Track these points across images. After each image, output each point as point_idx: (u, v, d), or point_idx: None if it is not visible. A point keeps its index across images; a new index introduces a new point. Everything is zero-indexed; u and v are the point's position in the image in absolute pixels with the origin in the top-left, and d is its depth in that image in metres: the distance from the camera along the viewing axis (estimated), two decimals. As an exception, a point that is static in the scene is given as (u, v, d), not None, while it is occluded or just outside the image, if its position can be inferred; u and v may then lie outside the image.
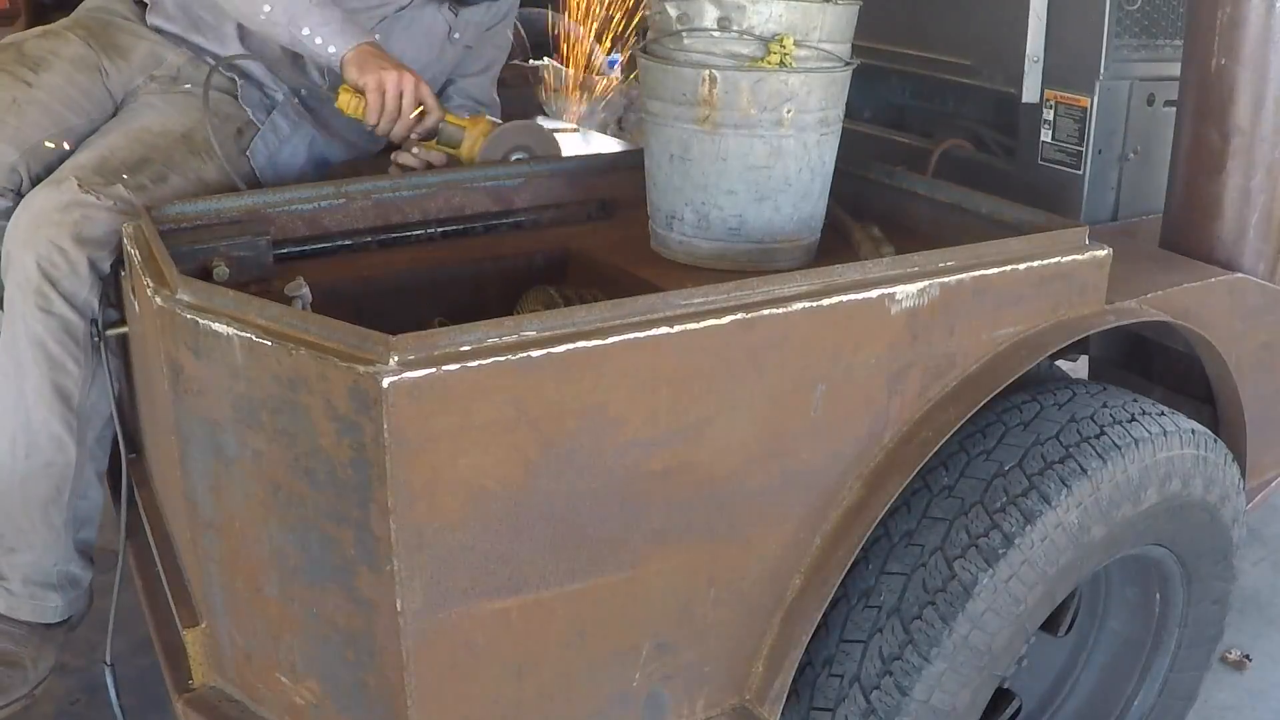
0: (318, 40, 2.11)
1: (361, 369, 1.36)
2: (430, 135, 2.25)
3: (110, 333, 2.04)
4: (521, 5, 5.07)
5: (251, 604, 1.62)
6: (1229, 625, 2.36)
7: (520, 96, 3.31)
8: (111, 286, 2.06)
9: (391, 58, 2.16)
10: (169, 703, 1.76)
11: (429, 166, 2.31)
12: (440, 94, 2.55)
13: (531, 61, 3.69)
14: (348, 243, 2.10)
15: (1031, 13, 2.38)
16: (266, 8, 2.10)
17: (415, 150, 2.30)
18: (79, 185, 2.00)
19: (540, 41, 3.78)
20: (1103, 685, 2.34)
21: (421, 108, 2.20)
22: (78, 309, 2.00)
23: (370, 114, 2.16)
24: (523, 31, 3.88)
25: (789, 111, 1.91)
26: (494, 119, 2.34)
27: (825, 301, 1.63)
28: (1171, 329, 2.12)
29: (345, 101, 2.19)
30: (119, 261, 2.01)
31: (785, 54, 1.87)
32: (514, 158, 2.29)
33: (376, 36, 2.27)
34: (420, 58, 2.41)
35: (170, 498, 1.85)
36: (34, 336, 1.98)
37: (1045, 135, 2.45)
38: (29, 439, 2.04)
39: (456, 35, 2.47)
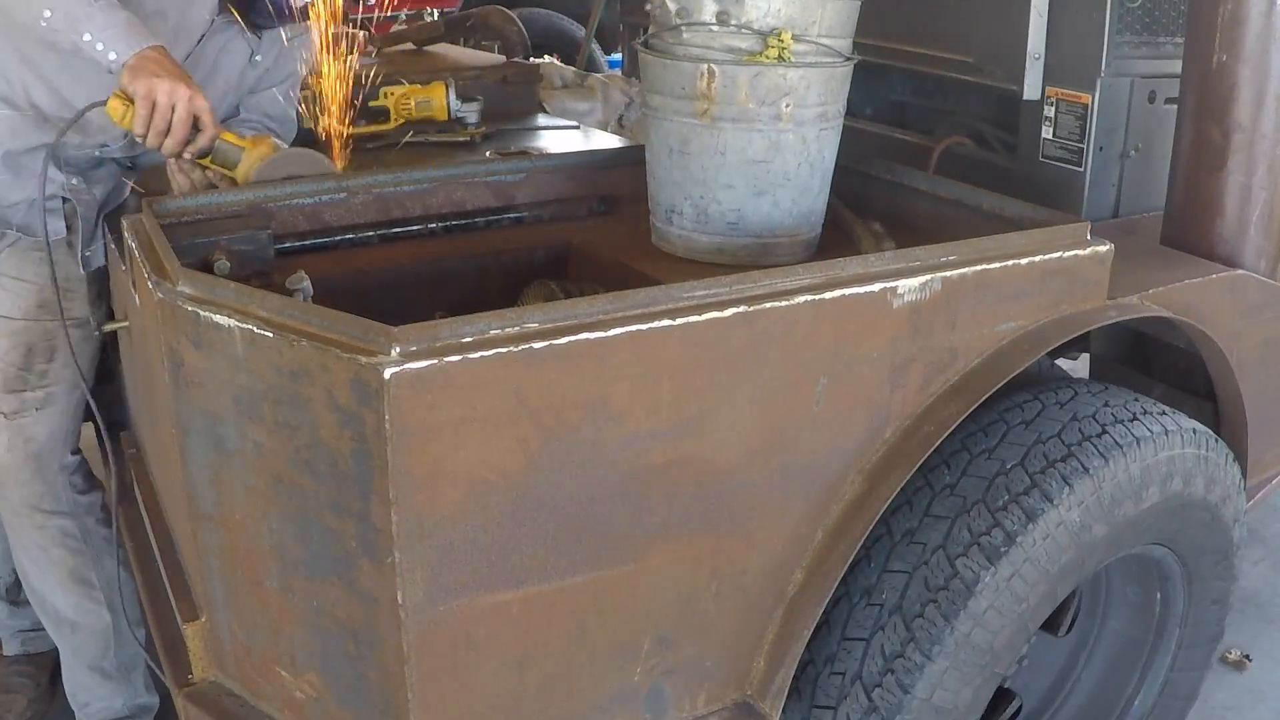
0: (99, 46, 1.91)
1: (363, 360, 1.36)
2: (205, 154, 2.04)
3: (109, 327, 2.04)
4: (521, 5, 5.06)
5: (252, 597, 1.62)
6: (1229, 625, 2.35)
7: (521, 94, 3.31)
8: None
9: (176, 66, 1.97)
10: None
11: (209, 185, 2.12)
12: (233, 111, 2.42)
13: (532, 59, 3.69)
14: (349, 237, 2.10)
15: (1033, 10, 2.38)
16: (47, 13, 1.91)
17: (185, 167, 2.10)
18: None
19: (540, 41, 3.77)
20: (1103, 685, 2.33)
21: (196, 124, 1.99)
22: (64, 512, 2.32)
23: (137, 123, 1.94)
24: (523, 30, 3.89)
25: (787, 106, 1.91)
26: (278, 141, 2.17)
27: (827, 295, 1.63)
28: (1173, 325, 2.12)
29: (114, 107, 1.96)
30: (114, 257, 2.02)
31: (783, 48, 1.87)
32: None
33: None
34: (220, 84, 2.30)
35: (170, 491, 1.84)
36: (40, 548, 2.34)
37: (1046, 132, 2.45)
38: (70, 621, 2.41)
39: (258, 58, 2.33)
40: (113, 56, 1.92)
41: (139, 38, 1.94)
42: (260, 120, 2.40)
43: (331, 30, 2.20)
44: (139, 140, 1.99)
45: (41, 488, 2.29)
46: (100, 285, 2.31)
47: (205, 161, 2.05)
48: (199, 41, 2.22)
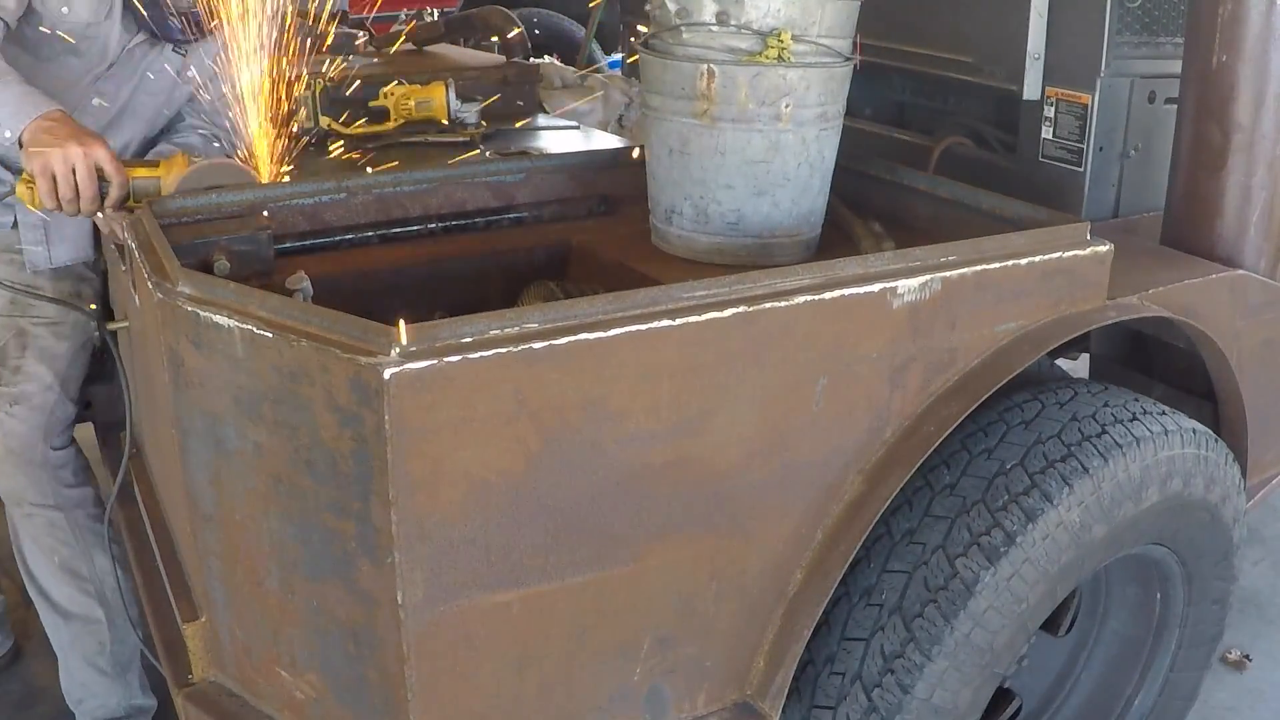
0: None
1: (363, 360, 1.36)
2: (125, 199, 1.96)
3: (111, 326, 2.04)
4: (521, 5, 5.04)
5: (252, 597, 1.62)
6: (1229, 625, 2.35)
7: (521, 94, 3.31)
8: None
9: (68, 127, 1.90)
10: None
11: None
12: (174, 122, 2.39)
13: (532, 60, 3.69)
14: (349, 237, 2.09)
15: (1033, 10, 2.38)
16: None
17: (115, 216, 1.99)
18: None
19: (541, 41, 3.77)
20: (1103, 685, 2.33)
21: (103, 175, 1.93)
22: (50, 505, 2.35)
23: (45, 199, 1.90)
24: (523, 30, 3.89)
25: (787, 106, 1.91)
26: (193, 157, 2.04)
27: (827, 295, 1.63)
28: (1173, 326, 2.12)
29: (22, 193, 1.93)
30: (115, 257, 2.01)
31: (783, 49, 1.87)
32: None
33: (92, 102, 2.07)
34: (151, 103, 2.28)
35: (170, 491, 1.84)
36: (30, 536, 2.38)
37: (1046, 132, 2.45)
38: (65, 612, 2.43)
39: (190, 73, 2.27)
40: (7, 135, 1.90)
41: (28, 110, 1.90)
42: (210, 129, 2.38)
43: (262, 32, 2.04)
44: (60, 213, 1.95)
45: (24, 480, 2.32)
46: (75, 283, 2.31)
47: (130, 204, 1.97)
48: (110, 66, 2.20)
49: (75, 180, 1.88)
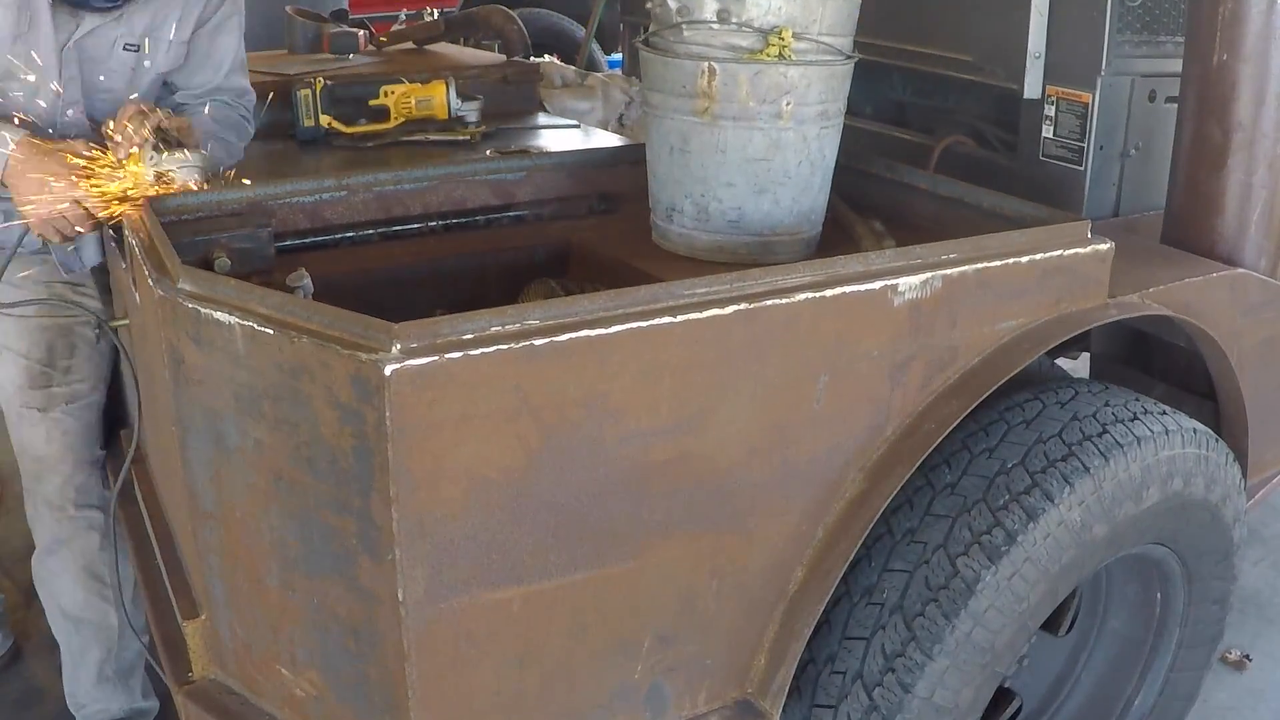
0: None
1: (364, 357, 1.35)
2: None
3: (112, 324, 2.04)
4: (521, 5, 5.03)
5: (252, 595, 1.62)
6: (1229, 625, 2.35)
7: (521, 93, 3.31)
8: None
9: (38, 160, 1.93)
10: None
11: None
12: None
13: (532, 59, 3.69)
14: (349, 235, 2.09)
15: (1033, 9, 2.39)
16: None
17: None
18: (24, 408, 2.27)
19: (540, 40, 3.76)
20: (1103, 685, 2.33)
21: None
22: (95, 505, 2.35)
23: (53, 240, 2.02)
24: (523, 29, 3.89)
25: (788, 104, 1.91)
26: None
27: (828, 292, 1.63)
28: (1173, 324, 2.12)
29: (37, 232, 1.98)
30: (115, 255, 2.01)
31: (784, 46, 1.87)
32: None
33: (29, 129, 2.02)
34: (108, 102, 2.18)
35: (170, 488, 1.84)
36: (62, 541, 2.37)
37: (1047, 131, 2.45)
38: (77, 619, 2.44)
39: (147, 64, 2.21)
40: None
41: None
42: (212, 127, 2.31)
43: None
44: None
45: (81, 479, 2.33)
46: (104, 282, 2.31)
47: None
48: (63, 49, 2.13)
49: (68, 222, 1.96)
